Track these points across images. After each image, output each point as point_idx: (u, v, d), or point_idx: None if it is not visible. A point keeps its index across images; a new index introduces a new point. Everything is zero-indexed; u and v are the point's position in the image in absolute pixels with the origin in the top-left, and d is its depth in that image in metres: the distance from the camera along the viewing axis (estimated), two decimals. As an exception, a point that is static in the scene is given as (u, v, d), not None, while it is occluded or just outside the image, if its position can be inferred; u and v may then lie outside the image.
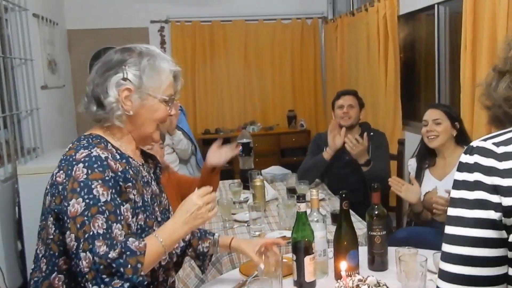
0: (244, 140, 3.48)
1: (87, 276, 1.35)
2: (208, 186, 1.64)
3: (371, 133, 3.40)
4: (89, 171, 1.40)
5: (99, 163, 1.42)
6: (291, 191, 3.03)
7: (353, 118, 3.37)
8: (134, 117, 1.54)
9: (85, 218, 1.36)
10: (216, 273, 2.30)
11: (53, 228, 1.48)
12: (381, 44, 4.49)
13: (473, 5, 3.07)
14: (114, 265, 1.35)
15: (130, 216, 1.47)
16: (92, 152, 1.44)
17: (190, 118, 6.20)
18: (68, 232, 1.39)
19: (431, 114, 2.73)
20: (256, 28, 6.32)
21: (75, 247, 1.37)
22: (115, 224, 1.39)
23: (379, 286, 1.59)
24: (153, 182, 1.69)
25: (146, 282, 1.45)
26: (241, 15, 6.23)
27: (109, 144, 1.54)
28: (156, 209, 1.65)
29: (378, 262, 1.93)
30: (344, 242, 1.83)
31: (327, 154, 3.30)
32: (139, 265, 1.39)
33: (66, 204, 1.39)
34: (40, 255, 1.53)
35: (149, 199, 1.61)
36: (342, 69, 5.66)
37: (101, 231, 1.36)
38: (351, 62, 5.34)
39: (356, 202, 3.17)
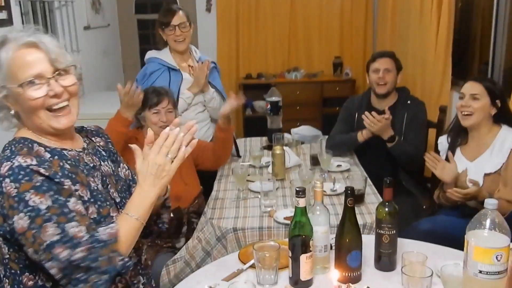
0: (273, 99, 3.32)
1: (63, 281, 1.32)
2: (163, 133, 1.43)
3: (408, 102, 3.12)
4: (17, 185, 1.30)
5: (22, 173, 1.32)
6: (314, 159, 2.87)
7: (389, 84, 3.09)
8: (19, 114, 1.44)
9: (34, 231, 1.29)
10: (221, 248, 2.25)
11: (6, 248, 1.41)
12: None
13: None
14: (83, 264, 1.30)
15: (82, 208, 1.38)
16: (14, 163, 1.33)
17: (232, 62, 6.05)
18: (25, 247, 1.33)
19: (470, 88, 2.45)
20: (306, -33, 5.93)
21: (38, 259, 1.32)
22: (67, 224, 1.31)
23: (375, 299, 1.46)
24: (103, 163, 1.59)
25: (130, 263, 1.40)
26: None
27: (35, 144, 1.42)
28: (112, 190, 1.56)
29: (385, 262, 1.77)
30: (347, 241, 1.68)
31: (361, 137, 3.04)
32: (114, 254, 1.34)
33: (10, 223, 1.32)
34: (1, 275, 1.46)
35: (98, 186, 1.51)
36: (394, 18, 5.25)
37: (55, 238, 1.29)
38: (404, 10, 4.93)
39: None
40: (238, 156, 3.21)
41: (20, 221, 1.30)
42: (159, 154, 1.42)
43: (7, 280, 1.45)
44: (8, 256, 1.41)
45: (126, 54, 6.03)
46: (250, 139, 3.65)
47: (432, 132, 3.31)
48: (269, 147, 3.24)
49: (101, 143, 1.67)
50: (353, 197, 1.69)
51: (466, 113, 2.44)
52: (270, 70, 6.09)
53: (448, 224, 2.40)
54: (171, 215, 2.25)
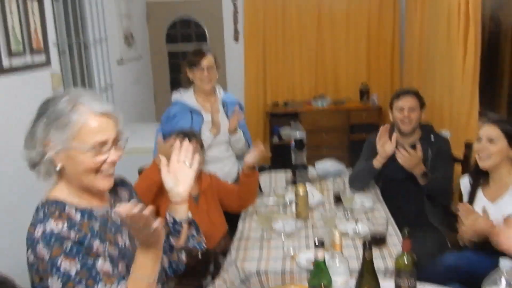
0: (297, 136, 3.36)
1: None
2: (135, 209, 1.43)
3: (432, 138, 3.13)
4: (49, 250, 1.39)
5: (53, 238, 1.40)
6: (337, 197, 2.91)
7: (414, 122, 3.10)
8: (64, 171, 1.50)
9: None
10: (245, 291, 2.28)
11: None
12: (461, 22, 4.08)
13: None
14: None
15: (109, 267, 1.46)
16: (46, 228, 1.42)
17: (260, 90, 6.14)
18: None
19: (486, 131, 2.45)
20: (331, -5, 6.00)
21: None
22: (96, 286, 1.39)
23: None
24: None
25: None
26: (315, -20, 5.92)
27: (66, 206, 1.49)
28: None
29: (405, 311, 1.80)
30: (366, 293, 1.71)
31: (377, 161, 3.09)
32: None
33: (46, 285, 1.41)
34: None
35: (126, 242, 1.59)
36: (421, 44, 5.25)
37: None
38: (430, 38, 4.93)
39: (411, 211, 3.02)
40: (261, 191, 3.25)
41: (54, 285, 1.38)
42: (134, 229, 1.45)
43: None
44: None
45: (158, 84, 6.19)
46: (275, 174, 3.69)
47: (457, 167, 3.31)
48: (293, 182, 3.28)
49: (126, 195, 1.75)
50: (371, 249, 1.72)
51: (483, 156, 2.44)
52: (297, 97, 6.15)
53: (473, 261, 2.37)
54: (199, 256, 2.32)
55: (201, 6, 6.06)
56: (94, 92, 1.55)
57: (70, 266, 1.39)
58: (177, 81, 6.14)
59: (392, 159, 3.06)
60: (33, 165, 1.50)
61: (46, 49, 3.31)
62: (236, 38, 6.11)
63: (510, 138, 2.41)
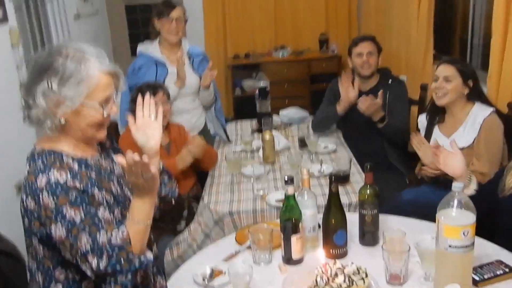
0: (261, 85, 3.45)
1: (97, 280, 1.52)
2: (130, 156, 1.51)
3: (390, 81, 3.28)
4: (55, 198, 1.45)
5: (60, 188, 1.46)
6: (302, 142, 3.04)
7: (373, 66, 3.24)
8: (67, 124, 1.54)
9: (71, 239, 1.46)
10: (219, 231, 2.41)
11: (41, 247, 1.57)
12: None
13: None
14: (108, 269, 1.48)
15: (109, 214, 1.54)
16: (50, 178, 1.47)
17: (220, 43, 6.13)
18: (62, 252, 1.51)
19: (442, 70, 2.61)
20: None
21: (74, 260, 1.49)
22: (98, 233, 1.47)
23: (358, 273, 1.63)
24: (115, 165, 1.74)
25: (149, 259, 1.57)
26: None
27: (63, 156, 1.55)
28: (126, 189, 1.71)
29: (368, 238, 1.95)
30: (332, 222, 1.85)
31: (340, 107, 3.22)
32: (130, 256, 1.50)
33: (48, 231, 1.48)
34: (33, 270, 1.62)
35: (118, 189, 1.67)
36: (377, -7, 5.36)
37: (88, 247, 1.46)
38: (386, -14, 5.04)
39: (372, 151, 3.18)
40: (228, 140, 3.36)
41: (58, 231, 1.46)
42: (133, 175, 1.54)
43: (39, 273, 1.61)
44: (42, 254, 1.58)
45: (116, 40, 6.11)
46: (241, 123, 3.80)
47: (414, 109, 3.48)
48: (259, 131, 3.39)
49: (108, 144, 1.82)
50: (337, 181, 1.86)
51: (440, 94, 2.60)
52: (258, 49, 6.19)
53: (429, 194, 2.56)
54: (172, 201, 2.43)
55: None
56: (93, 46, 1.57)
57: (75, 214, 1.46)
58: (136, 36, 6.10)
59: (351, 107, 3.20)
60: (38, 121, 1.52)
61: (2, 5, 3.24)
62: (194, -9, 6.04)
63: (464, 76, 2.57)
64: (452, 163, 2.14)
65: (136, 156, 1.48)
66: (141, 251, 1.57)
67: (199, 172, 2.98)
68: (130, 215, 1.57)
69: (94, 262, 1.46)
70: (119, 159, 1.54)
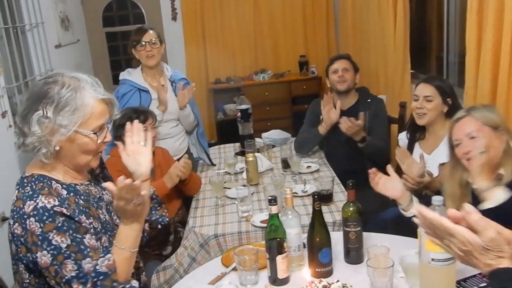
0: (243, 106, 3.49)
1: None
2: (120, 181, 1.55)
3: (369, 100, 3.34)
4: (42, 225, 1.46)
5: (47, 214, 1.47)
6: (285, 162, 3.06)
7: (349, 81, 3.33)
8: (61, 151, 1.56)
9: (56, 267, 1.46)
10: (205, 254, 2.41)
11: (27, 274, 1.57)
12: (390, -8, 4.30)
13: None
14: None
15: (95, 242, 1.55)
16: (38, 203, 1.48)
17: (201, 68, 6.19)
18: (48, 279, 1.50)
19: (422, 90, 2.66)
20: (266, -29, 6.10)
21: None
22: (84, 260, 1.48)
23: (345, 290, 1.64)
24: (104, 192, 1.75)
25: (136, 286, 1.58)
26: (250, -43, 6.01)
27: (53, 182, 1.57)
28: (115, 217, 1.72)
29: (353, 256, 1.97)
30: (317, 240, 1.87)
31: (322, 128, 3.25)
32: (115, 283, 1.51)
33: (34, 257, 1.48)
34: None
35: (106, 216, 1.68)
36: (354, 15, 5.46)
37: (74, 274, 1.47)
38: (363, 8, 5.14)
39: (354, 170, 3.21)
40: (212, 164, 3.37)
41: (44, 258, 1.46)
42: (122, 199, 1.55)
43: None
44: (28, 281, 1.58)
45: (97, 67, 6.12)
46: (224, 147, 3.82)
47: (394, 127, 3.53)
48: (242, 153, 3.41)
49: (98, 171, 1.82)
50: (320, 200, 1.88)
51: (421, 113, 2.65)
52: (239, 73, 6.25)
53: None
54: (159, 226, 2.43)
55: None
56: (87, 75, 1.60)
57: (61, 241, 1.47)
58: (118, 63, 6.11)
59: (333, 126, 3.25)
60: (33, 149, 1.53)
61: (-18, 36, 3.26)
62: (174, 18, 6.11)
63: (443, 95, 2.63)
64: (391, 185, 2.25)
65: (127, 180, 1.50)
66: (126, 279, 1.58)
67: (185, 197, 2.98)
68: (116, 242, 1.58)
69: None
70: (108, 185, 1.55)
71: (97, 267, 1.49)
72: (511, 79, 2.70)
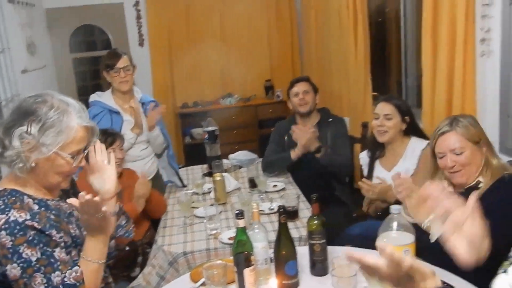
0: (210, 128, 3.55)
1: None
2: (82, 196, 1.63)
3: (330, 119, 3.46)
4: (13, 238, 1.49)
5: (18, 228, 1.50)
6: (252, 182, 3.13)
7: (310, 103, 3.44)
8: (36, 168, 1.60)
9: (25, 279, 1.49)
10: (174, 272, 2.43)
11: None
12: (350, 17, 4.45)
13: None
14: None
15: (65, 255, 1.58)
16: (9, 217, 1.51)
17: (168, 92, 6.26)
18: None
19: (382, 108, 2.79)
20: (232, -2, 6.26)
21: None
22: (53, 274, 1.51)
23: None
24: (74, 208, 1.76)
25: None
26: (216, -15, 6.16)
27: (25, 197, 1.60)
28: (84, 232, 1.74)
29: (318, 268, 2.03)
30: (283, 253, 1.92)
31: (294, 154, 3.33)
32: None
33: (4, 269, 1.51)
34: None
35: (76, 231, 1.71)
36: (317, 40, 5.63)
37: (42, 287, 1.49)
38: (325, 33, 5.31)
39: (320, 188, 3.27)
40: (184, 186, 3.40)
41: (13, 270, 1.49)
42: (87, 214, 1.62)
43: None
44: None
45: (64, 93, 6.07)
46: (192, 168, 3.86)
47: (357, 146, 3.65)
48: (209, 174, 3.46)
49: (69, 187, 1.85)
50: (286, 214, 1.94)
51: (381, 131, 2.77)
52: (206, 97, 6.34)
53: (375, 228, 2.67)
54: (127, 247, 2.46)
55: (103, 12, 6.05)
56: (75, 101, 1.67)
57: (31, 254, 1.50)
58: (85, 88, 6.10)
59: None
60: (10, 162, 1.57)
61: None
62: (141, 43, 6.17)
63: (402, 113, 2.76)
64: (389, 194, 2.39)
65: (87, 196, 1.55)
66: None
67: (153, 219, 3.01)
68: (83, 254, 1.62)
69: None
70: (72, 200, 1.61)
71: (65, 279, 1.52)
72: (464, 98, 2.87)
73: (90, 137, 1.70)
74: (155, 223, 2.99)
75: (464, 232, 1.28)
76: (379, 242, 1.65)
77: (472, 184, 2.07)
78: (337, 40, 4.87)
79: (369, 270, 1.21)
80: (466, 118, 2.17)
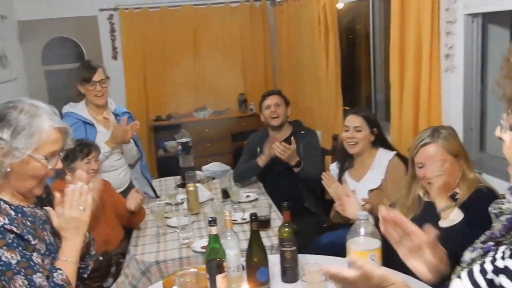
0: (183, 140, 3.59)
1: None
2: (69, 190, 1.70)
3: (302, 132, 3.54)
4: None
5: None
6: (224, 192, 3.17)
7: (282, 116, 3.51)
8: (11, 173, 1.62)
9: (5, 282, 1.50)
10: (146, 281, 2.44)
11: None
12: (322, 33, 4.56)
13: (400, 3, 3.14)
14: None
15: (41, 261, 1.60)
16: None
17: (142, 105, 6.27)
18: None
19: (352, 120, 2.87)
20: (205, 12, 6.33)
21: None
22: (34, 275, 1.53)
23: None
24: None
25: None
26: (190, 0, 6.23)
27: (1, 203, 1.62)
28: (58, 241, 1.76)
29: (289, 275, 2.08)
30: (255, 260, 1.97)
31: (261, 161, 3.42)
32: None
33: None
34: None
35: (50, 239, 1.73)
36: (289, 54, 5.74)
37: None
38: (297, 47, 5.42)
39: (290, 198, 3.34)
40: (157, 197, 3.43)
41: None
42: (72, 209, 1.69)
43: None
44: None
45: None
46: (165, 179, 3.89)
47: (328, 158, 3.73)
48: (183, 185, 3.49)
49: (43, 196, 1.87)
50: (257, 222, 1.99)
51: (352, 143, 2.86)
52: (179, 111, 6.37)
53: (345, 236, 2.74)
54: (100, 258, 2.46)
55: (77, 24, 6.05)
56: (46, 105, 1.70)
57: (10, 257, 1.51)
58: (56, 101, 6.05)
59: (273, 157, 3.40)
60: None
61: None
62: (114, 57, 6.19)
63: (371, 125, 2.85)
64: (350, 207, 2.43)
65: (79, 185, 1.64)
66: None
67: (127, 229, 3.02)
68: (61, 256, 1.65)
69: None
70: (56, 193, 1.67)
71: (54, 279, 1.55)
72: (430, 112, 2.97)
73: (64, 138, 1.71)
74: (128, 234, 3.01)
75: (423, 257, 1.37)
76: (349, 256, 1.72)
77: (450, 195, 2.15)
78: (309, 55, 4.98)
79: (345, 284, 1.26)
80: (446, 129, 2.24)
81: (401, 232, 1.41)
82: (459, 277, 1.15)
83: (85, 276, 1.94)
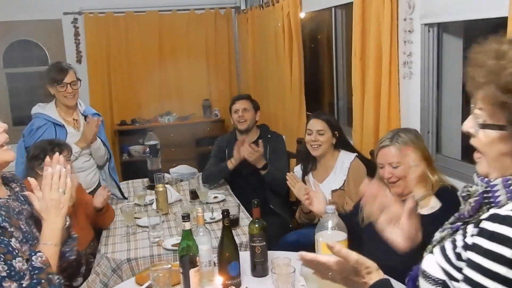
0: (151, 142, 3.64)
1: None
2: (48, 173, 1.74)
3: (269, 136, 3.65)
4: None
5: None
6: (193, 193, 3.24)
7: (249, 121, 3.61)
8: None
9: None
10: (117, 279, 2.49)
11: None
12: (286, 41, 4.69)
13: (361, 13, 3.30)
14: None
15: (20, 247, 1.63)
16: None
17: (106, 109, 6.24)
18: None
19: (315, 124, 3.00)
20: (170, 18, 6.40)
21: None
22: (14, 260, 1.56)
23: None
24: (23, 207, 1.83)
25: (63, 281, 1.69)
26: (155, 5, 6.29)
27: None
28: (35, 230, 1.81)
29: (259, 269, 2.17)
30: (226, 254, 2.06)
31: (231, 164, 3.51)
32: (51, 275, 1.62)
33: None
34: None
35: (26, 228, 1.77)
36: (254, 61, 5.85)
37: (4, 274, 1.53)
38: (262, 55, 5.54)
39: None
40: (124, 198, 3.46)
41: None
42: (52, 191, 1.73)
43: None
44: None
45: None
46: (132, 182, 3.93)
47: (293, 161, 3.85)
48: (151, 187, 3.54)
49: (18, 189, 1.90)
50: (229, 218, 2.08)
51: (315, 146, 2.98)
52: (144, 115, 6.39)
53: (310, 235, 2.84)
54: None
55: (40, 27, 6.01)
56: None
57: None
58: (18, 105, 5.97)
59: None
60: None
61: None
62: (79, 60, 6.16)
63: (332, 128, 2.99)
64: (317, 202, 2.53)
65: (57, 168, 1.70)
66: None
67: (97, 229, 3.05)
68: (43, 239, 1.69)
69: (12, 286, 1.53)
70: (30, 179, 1.74)
71: (33, 263, 1.59)
72: (390, 116, 3.12)
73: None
74: (98, 235, 3.04)
75: (400, 226, 1.49)
76: (318, 249, 1.83)
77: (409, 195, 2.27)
78: (273, 62, 5.11)
79: (321, 272, 1.36)
80: (409, 133, 2.33)
81: (380, 205, 1.52)
82: (431, 253, 1.25)
83: (72, 258, 2.00)
